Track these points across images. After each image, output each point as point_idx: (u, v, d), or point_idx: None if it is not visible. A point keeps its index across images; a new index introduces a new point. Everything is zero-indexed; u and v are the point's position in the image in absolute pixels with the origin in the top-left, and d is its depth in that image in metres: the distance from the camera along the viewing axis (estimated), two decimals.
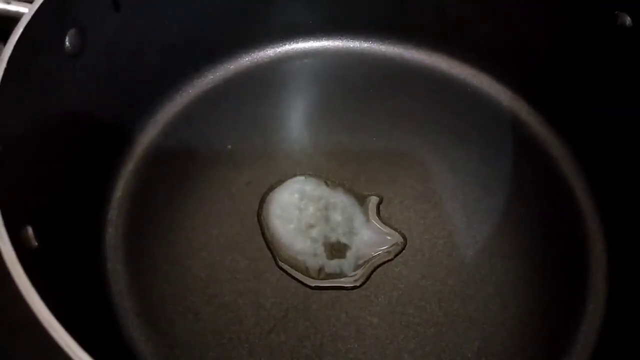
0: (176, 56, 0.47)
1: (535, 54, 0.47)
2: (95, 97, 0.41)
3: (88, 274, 0.38)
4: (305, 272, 0.40)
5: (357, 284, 0.40)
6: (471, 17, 0.48)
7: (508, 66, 0.49)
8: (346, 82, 0.51)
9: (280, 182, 0.44)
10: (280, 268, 0.40)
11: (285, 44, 0.52)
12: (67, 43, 0.36)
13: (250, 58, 0.51)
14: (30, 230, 0.30)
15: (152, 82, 0.46)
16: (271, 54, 0.51)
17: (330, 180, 0.44)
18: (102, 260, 0.40)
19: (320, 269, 0.41)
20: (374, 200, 0.43)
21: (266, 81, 0.50)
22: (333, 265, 0.41)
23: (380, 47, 0.52)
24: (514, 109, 0.49)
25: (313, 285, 0.40)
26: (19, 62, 0.32)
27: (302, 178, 0.44)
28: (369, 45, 0.52)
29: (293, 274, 0.40)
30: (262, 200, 0.43)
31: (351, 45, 0.52)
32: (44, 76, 0.35)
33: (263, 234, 0.42)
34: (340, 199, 0.43)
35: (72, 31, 0.36)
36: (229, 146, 0.46)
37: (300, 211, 0.43)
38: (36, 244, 0.30)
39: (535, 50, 0.47)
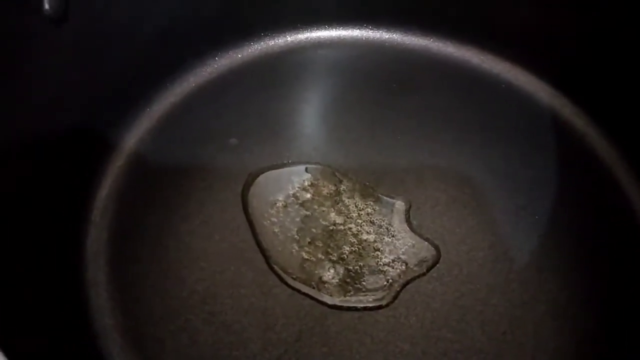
0: (176, 38, 0.44)
1: (578, 45, 0.44)
2: (79, 79, 0.38)
3: (63, 284, 0.36)
4: (322, 287, 0.36)
5: (384, 302, 0.37)
6: (505, 4, 0.45)
7: (548, 59, 0.45)
8: (365, 77, 0.47)
9: (291, 183, 0.40)
10: (290, 286, 0.37)
11: (298, 32, 0.48)
12: (46, 4, 0.33)
13: (259, 46, 0.47)
14: None
15: (148, 66, 0.43)
16: (282, 43, 0.48)
17: (350, 182, 0.41)
18: (82, 268, 0.37)
19: (340, 284, 0.37)
20: (401, 205, 0.40)
21: (276, 73, 0.47)
22: (354, 279, 0.37)
23: (404, 38, 0.49)
24: (555, 108, 0.45)
25: (331, 303, 0.36)
26: None
27: (314, 179, 0.40)
28: (390, 36, 0.49)
29: (307, 291, 0.37)
30: (270, 204, 0.39)
31: (371, 36, 0.49)
32: (21, 41, 0.32)
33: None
34: (362, 205, 0.40)
35: None
36: (234, 140, 0.43)
37: (315, 217, 0.39)
38: None
39: (578, 41, 0.44)
